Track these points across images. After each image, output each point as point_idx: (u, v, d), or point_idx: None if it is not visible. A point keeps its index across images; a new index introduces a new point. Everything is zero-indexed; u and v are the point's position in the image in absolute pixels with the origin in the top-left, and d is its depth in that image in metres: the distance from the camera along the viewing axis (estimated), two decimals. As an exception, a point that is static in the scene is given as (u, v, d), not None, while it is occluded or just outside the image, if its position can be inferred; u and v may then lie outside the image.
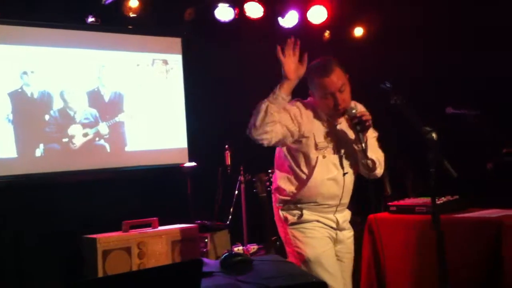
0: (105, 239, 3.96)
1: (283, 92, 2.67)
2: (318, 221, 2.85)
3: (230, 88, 5.30)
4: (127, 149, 4.85)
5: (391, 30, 5.24)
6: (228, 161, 4.76)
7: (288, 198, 2.87)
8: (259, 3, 5.03)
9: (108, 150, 4.75)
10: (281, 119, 2.70)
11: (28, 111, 4.40)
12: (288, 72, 2.67)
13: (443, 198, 3.44)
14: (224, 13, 4.97)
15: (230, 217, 4.73)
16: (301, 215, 2.84)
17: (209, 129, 5.15)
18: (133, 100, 4.90)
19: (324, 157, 2.80)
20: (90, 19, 4.62)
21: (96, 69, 4.73)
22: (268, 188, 4.05)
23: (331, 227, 2.89)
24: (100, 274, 3.85)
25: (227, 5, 4.95)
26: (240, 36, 5.23)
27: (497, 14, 4.49)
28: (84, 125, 4.64)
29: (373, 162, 2.83)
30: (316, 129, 2.80)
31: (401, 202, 3.68)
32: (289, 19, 5.24)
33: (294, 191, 2.84)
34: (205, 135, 5.15)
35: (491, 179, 4.01)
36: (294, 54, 2.74)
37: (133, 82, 4.91)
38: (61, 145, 4.51)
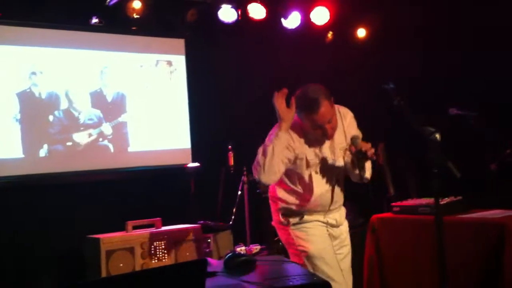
0: (109, 239, 3.97)
1: (284, 132, 2.81)
2: (317, 220, 2.97)
3: (233, 89, 5.31)
4: (130, 149, 4.86)
5: (393, 31, 5.24)
6: (231, 162, 4.77)
7: (289, 206, 2.99)
8: (262, 4, 5.04)
9: (112, 151, 4.76)
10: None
11: (33, 111, 4.42)
12: (283, 114, 2.81)
13: (446, 198, 3.44)
14: (227, 14, 4.98)
15: (233, 217, 4.73)
16: (302, 217, 2.97)
17: (212, 129, 5.16)
18: (136, 101, 4.91)
19: (316, 172, 2.93)
20: (94, 20, 4.64)
21: (100, 70, 4.75)
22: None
23: (331, 225, 3.00)
24: (104, 274, 3.85)
25: (230, 6, 4.96)
26: (243, 37, 5.24)
27: (500, 14, 4.49)
28: (88, 126, 4.65)
29: (364, 171, 2.91)
30: (306, 150, 2.91)
31: (404, 202, 3.68)
32: (292, 20, 5.24)
33: (296, 202, 2.97)
34: (208, 135, 5.16)
35: (494, 179, 4.00)
36: (283, 98, 2.85)
37: (136, 83, 4.92)
38: (65, 145, 4.53)
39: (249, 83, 5.31)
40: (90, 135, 4.66)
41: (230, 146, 4.79)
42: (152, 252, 4.11)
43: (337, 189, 3.01)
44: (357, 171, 2.83)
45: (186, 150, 5.13)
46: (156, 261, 4.12)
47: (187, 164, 5.04)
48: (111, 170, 4.75)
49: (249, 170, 4.64)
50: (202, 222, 4.58)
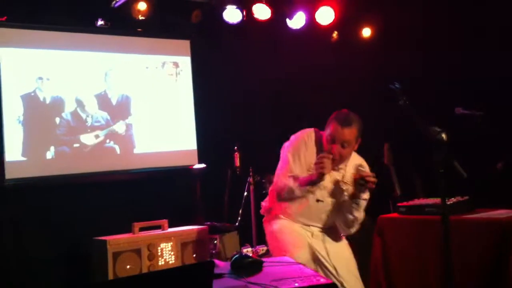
0: (116, 241, 3.98)
1: (309, 188, 3.04)
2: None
3: (239, 90, 5.31)
4: (136, 151, 4.87)
5: (399, 31, 5.23)
6: (237, 163, 4.77)
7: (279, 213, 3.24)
8: (267, 5, 5.03)
9: (118, 152, 4.78)
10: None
11: (40, 113, 4.44)
12: (321, 179, 2.99)
13: (453, 198, 3.43)
14: (232, 15, 4.99)
15: (239, 218, 4.73)
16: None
17: (218, 130, 5.17)
18: (142, 103, 4.92)
19: (312, 192, 3.11)
20: (100, 23, 4.65)
21: (106, 72, 4.76)
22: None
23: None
24: (111, 276, 3.86)
25: (235, 7, 4.96)
26: (248, 37, 5.24)
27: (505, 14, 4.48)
28: (95, 128, 4.67)
29: (355, 219, 3.08)
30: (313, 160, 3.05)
31: (411, 202, 3.67)
32: (297, 21, 5.24)
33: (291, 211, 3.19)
34: (215, 136, 5.16)
35: (500, 179, 3.99)
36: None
37: (142, 85, 4.94)
38: (71, 147, 4.55)
39: (254, 83, 5.31)
40: (97, 136, 4.67)
41: (236, 147, 4.79)
42: (159, 253, 4.12)
43: (326, 214, 3.13)
44: (347, 214, 3.04)
45: (192, 151, 5.14)
46: (163, 262, 4.13)
47: (193, 165, 5.04)
48: (118, 172, 4.77)
49: (255, 171, 4.66)
50: (208, 223, 4.59)
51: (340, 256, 3.14)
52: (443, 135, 2.64)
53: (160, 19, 4.92)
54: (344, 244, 3.25)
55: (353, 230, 3.14)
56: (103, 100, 4.73)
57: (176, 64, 5.13)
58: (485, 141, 4.01)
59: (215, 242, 4.52)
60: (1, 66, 4.28)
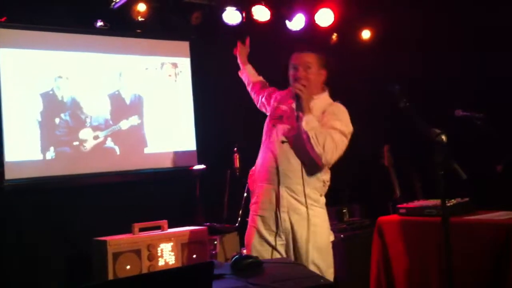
0: (115, 241, 3.98)
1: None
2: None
3: (239, 91, 5.30)
4: (136, 151, 4.87)
5: (398, 32, 5.23)
6: (237, 164, 4.77)
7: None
8: (266, 7, 5.03)
9: (118, 153, 4.78)
10: None
11: (39, 114, 4.43)
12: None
13: (453, 200, 3.43)
14: (231, 16, 4.99)
15: (239, 219, 4.73)
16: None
17: (218, 131, 5.17)
18: (142, 103, 4.92)
19: (274, 126, 3.20)
20: (99, 24, 4.65)
21: (106, 73, 4.77)
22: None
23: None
24: (111, 276, 3.86)
25: (235, 8, 4.96)
26: (247, 39, 5.23)
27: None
28: (95, 128, 4.67)
29: (307, 135, 2.90)
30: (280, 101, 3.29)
31: (410, 204, 3.67)
32: (296, 22, 5.24)
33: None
34: (214, 137, 5.17)
35: (500, 181, 3.99)
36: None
37: (142, 86, 4.94)
38: (71, 148, 4.55)
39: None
40: (97, 137, 4.67)
41: (235, 148, 4.80)
42: (159, 254, 4.12)
43: (293, 156, 2.99)
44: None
45: (191, 152, 5.14)
46: (162, 263, 4.13)
47: (192, 166, 5.04)
48: (117, 173, 4.76)
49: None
50: (208, 224, 4.59)
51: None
52: (443, 137, 2.65)
53: (160, 20, 4.92)
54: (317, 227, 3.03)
55: (318, 151, 2.90)
56: (104, 101, 4.73)
57: (175, 65, 5.13)
58: (485, 143, 4.01)
59: (215, 243, 4.52)
60: (1, 68, 4.28)
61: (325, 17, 5.30)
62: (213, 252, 4.48)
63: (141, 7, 4.67)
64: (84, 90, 4.65)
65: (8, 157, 4.27)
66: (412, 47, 5.15)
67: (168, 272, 1.70)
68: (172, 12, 4.99)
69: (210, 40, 5.23)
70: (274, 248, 2.99)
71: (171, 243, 4.18)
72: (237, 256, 2.33)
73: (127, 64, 4.87)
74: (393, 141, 4.92)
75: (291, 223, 2.99)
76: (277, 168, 3.00)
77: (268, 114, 3.33)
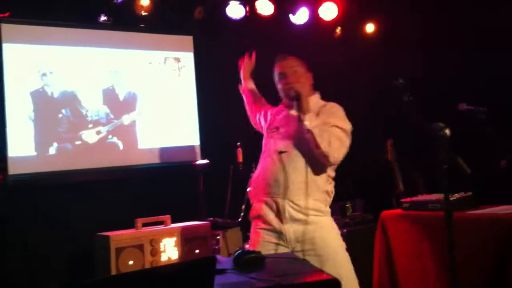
0: (118, 236, 3.98)
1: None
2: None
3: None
4: (139, 147, 4.87)
5: (402, 26, 5.21)
6: (240, 159, 4.76)
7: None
8: (270, 1, 5.03)
9: (121, 148, 4.78)
10: None
11: (42, 110, 4.44)
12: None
13: (456, 194, 3.42)
14: (235, 10, 4.98)
15: (242, 214, 4.73)
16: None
17: (221, 126, 5.16)
18: (145, 98, 4.92)
19: (272, 137, 3.15)
20: (102, 18, 4.65)
21: (108, 68, 4.76)
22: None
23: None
24: (114, 271, 3.87)
25: (238, 2, 4.95)
26: (251, 33, 5.23)
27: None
28: (97, 123, 4.67)
29: (312, 134, 2.80)
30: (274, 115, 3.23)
31: (414, 198, 3.66)
32: (300, 16, 5.23)
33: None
34: (217, 132, 5.16)
35: (504, 175, 3.98)
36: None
37: (145, 80, 4.93)
38: (73, 143, 4.55)
39: (257, 79, 5.29)
40: (99, 132, 4.67)
41: (239, 143, 4.79)
42: (162, 249, 4.12)
43: (292, 166, 2.87)
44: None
45: (195, 147, 5.14)
46: (165, 258, 4.13)
47: (196, 161, 5.04)
48: (120, 168, 4.77)
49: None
50: (211, 219, 4.59)
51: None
52: (447, 131, 2.63)
53: (163, 15, 4.91)
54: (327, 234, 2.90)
55: (325, 149, 2.80)
56: (106, 96, 4.73)
57: (177, 60, 5.12)
58: (489, 138, 3.99)
59: (218, 238, 4.52)
60: (4, 63, 4.28)
61: (329, 11, 5.29)
62: (216, 247, 4.48)
63: (144, 2, 4.67)
64: (86, 85, 4.64)
65: (12, 152, 4.28)
66: (416, 40, 5.14)
67: (171, 267, 1.71)
68: (175, 7, 4.98)
69: (214, 35, 5.22)
70: None
71: (174, 238, 4.18)
72: (239, 251, 2.33)
73: (130, 59, 4.87)
74: (396, 136, 4.91)
75: (296, 235, 2.86)
76: (277, 181, 2.89)
77: (264, 130, 3.25)
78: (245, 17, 5.01)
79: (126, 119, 4.81)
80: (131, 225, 4.16)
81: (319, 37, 5.50)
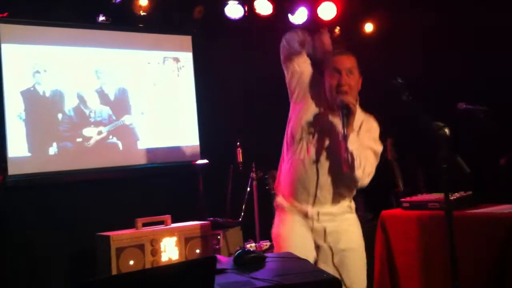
0: (119, 236, 3.99)
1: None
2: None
3: (241, 85, 5.30)
4: (139, 147, 4.88)
5: (401, 26, 5.21)
6: (240, 158, 4.77)
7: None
8: (269, 0, 5.02)
9: (121, 148, 4.78)
10: None
11: (41, 110, 4.44)
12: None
13: (456, 194, 3.42)
14: (233, 10, 4.98)
15: (242, 214, 4.74)
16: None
17: (220, 126, 5.17)
18: (145, 98, 4.93)
19: (309, 141, 2.87)
20: (101, 18, 4.65)
21: (108, 67, 4.76)
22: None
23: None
24: (114, 271, 3.87)
25: (237, 2, 4.95)
26: (250, 33, 5.23)
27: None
28: (98, 124, 4.67)
29: (352, 157, 2.68)
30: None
31: (414, 198, 3.66)
32: (298, 16, 5.22)
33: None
34: (217, 132, 5.16)
35: (504, 174, 3.98)
36: None
37: (144, 80, 4.94)
38: (74, 143, 4.55)
39: (256, 79, 5.30)
40: (100, 132, 4.68)
41: (238, 143, 4.79)
42: (162, 249, 4.12)
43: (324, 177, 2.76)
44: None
45: (194, 147, 5.14)
46: (166, 258, 4.13)
47: (195, 161, 5.04)
48: (120, 168, 4.77)
49: (258, 166, 4.66)
50: (211, 218, 4.59)
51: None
52: (446, 130, 2.63)
53: (162, 14, 4.92)
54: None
55: (359, 174, 2.73)
56: (107, 96, 4.73)
57: (176, 60, 5.13)
58: (489, 137, 4.00)
59: (219, 237, 4.53)
60: (3, 63, 4.28)
61: (327, 11, 5.28)
62: (216, 246, 4.48)
63: (143, 1, 4.67)
64: (86, 85, 4.65)
65: (11, 152, 4.28)
66: (416, 40, 5.13)
67: (171, 267, 1.71)
68: (174, 6, 4.98)
69: (213, 34, 5.22)
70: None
71: (175, 238, 4.19)
72: (240, 251, 2.33)
73: (129, 59, 4.87)
74: (396, 135, 4.91)
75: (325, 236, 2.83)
76: (306, 189, 2.79)
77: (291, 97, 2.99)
78: (244, 16, 5.01)
79: (127, 119, 4.81)
80: (131, 225, 4.16)
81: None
